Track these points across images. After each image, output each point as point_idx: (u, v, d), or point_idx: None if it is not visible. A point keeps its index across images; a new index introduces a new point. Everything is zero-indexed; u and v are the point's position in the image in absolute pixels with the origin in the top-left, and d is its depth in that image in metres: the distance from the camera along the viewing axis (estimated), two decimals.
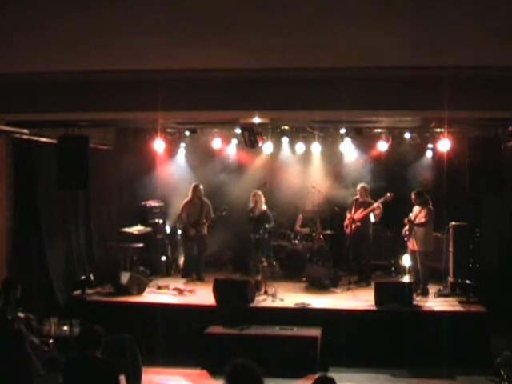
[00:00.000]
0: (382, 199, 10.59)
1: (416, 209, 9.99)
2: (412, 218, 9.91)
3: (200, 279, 10.91)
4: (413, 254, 10.03)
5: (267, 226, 11.04)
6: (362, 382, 8.02)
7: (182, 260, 11.76)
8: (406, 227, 9.97)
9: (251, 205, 11.10)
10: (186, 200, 11.11)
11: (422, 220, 9.78)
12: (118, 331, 6.88)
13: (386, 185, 11.32)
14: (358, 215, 10.69)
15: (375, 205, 10.57)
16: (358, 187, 10.85)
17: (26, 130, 8.99)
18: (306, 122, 10.47)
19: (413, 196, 9.98)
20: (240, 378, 3.67)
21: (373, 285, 9.48)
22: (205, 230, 11.16)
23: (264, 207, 11.15)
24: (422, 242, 9.81)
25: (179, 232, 11.68)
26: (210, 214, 11.10)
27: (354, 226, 10.68)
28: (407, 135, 10.98)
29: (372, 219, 10.73)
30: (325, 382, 4.12)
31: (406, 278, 10.24)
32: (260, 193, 11.18)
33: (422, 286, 9.83)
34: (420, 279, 9.89)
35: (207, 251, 11.44)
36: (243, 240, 12.10)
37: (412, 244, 9.92)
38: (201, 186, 11.14)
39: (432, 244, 9.96)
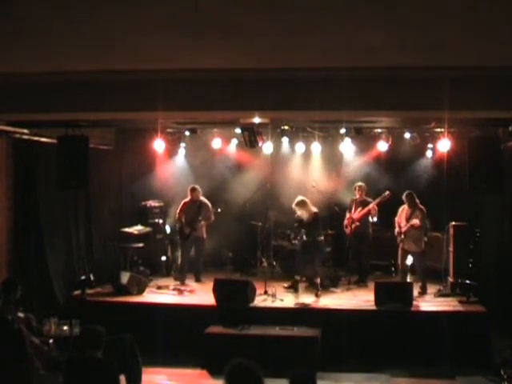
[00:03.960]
0: (379, 198, 10.59)
1: (405, 210, 9.99)
2: (404, 221, 9.90)
3: (197, 281, 10.84)
4: (405, 254, 10.02)
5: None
6: (362, 381, 8.01)
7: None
8: (397, 229, 9.99)
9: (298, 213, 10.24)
10: (185, 200, 11.03)
11: (418, 224, 9.77)
12: (118, 331, 6.87)
13: (385, 185, 11.31)
14: (356, 215, 10.68)
15: (371, 205, 10.56)
16: (356, 186, 10.85)
17: (26, 130, 9.00)
18: (305, 121, 10.47)
19: (404, 198, 9.97)
20: (239, 377, 3.67)
21: (372, 285, 9.47)
22: (203, 233, 10.98)
23: (314, 210, 10.28)
24: (416, 242, 9.85)
25: (168, 231, 11.66)
26: (209, 214, 10.95)
27: (353, 226, 10.68)
28: (407, 135, 10.98)
29: (371, 219, 10.72)
30: (304, 379, 4.09)
31: (408, 278, 10.23)
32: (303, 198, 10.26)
33: (421, 284, 9.87)
34: (411, 279, 9.97)
35: (205, 253, 11.33)
36: (243, 240, 12.14)
37: (408, 245, 9.92)
38: (198, 188, 11.00)
39: (423, 243, 9.98)
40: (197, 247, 11.02)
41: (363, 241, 10.71)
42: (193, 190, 10.95)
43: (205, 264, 11.64)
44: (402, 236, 9.94)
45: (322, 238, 10.32)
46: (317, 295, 9.68)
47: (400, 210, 10.11)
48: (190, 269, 11.03)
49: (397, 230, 10.06)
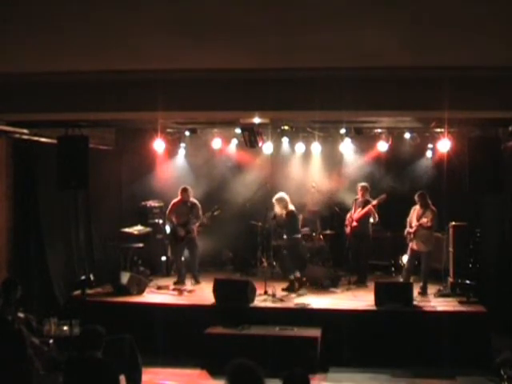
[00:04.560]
0: (376, 200, 10.57)
1: (416, 210, 10.01)
2: (415, 221, 9.91)
3: (196, 282, 10.68)
4: (414, 254, 10.04)
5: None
6: (361, 381, 8.00)
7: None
8: (408, 228, 10.00)
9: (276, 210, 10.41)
10: (174, 201, 10.85)
11: (429, 224, 9.82)
12: (118, 331, 6.87)
13: (385, 185, 11.32)
14: (356, 215, 10.68)
15: (367, 207, 10.54)
16: (358, 186, 10.85)
17: (25, 130, 9.00)
18: (306, 122, 10.47)
19: (417, 197, 9.99)
20: (241, 378, 3.67)
21: (372, 285, 9.48)
22: (194, 233, 10.81)
23: (291, 207, 10.35)
24: (426, 242, 9.87)
25: (167, 231, 11.48)
26: (199, 214, 10.80)
27: (352, 225, 10.67)
28: (407, 135, 10.98)
29: (372, 220, 10.71)
30: (297, 379, 4.10)
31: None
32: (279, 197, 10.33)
33: (421, 284, 9.87)
34: (412, 279, 9.98)
35: (200, 252, 11.15)
36: (243, 240, 12.13)
37: (417, 245, 9.93)
38: (190, 189, 10.81)
39: (433, 243, 10.03)
40: (190, 249, 10.84)
41: (362, 241, 10.70)
42: (184, 190, 10.74)
43: (205, 264, 11.62)
44: (412, 235, 9.95)
45: (300, 235, 10.43)
46: (296, 291, 9.77)
47: (412, 210, 10.12)
48: (188, 270, 10.92)
49: (407, 229, 10.07)
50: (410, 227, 10.01)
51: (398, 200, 10.66)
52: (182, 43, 5.12)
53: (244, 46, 5.30)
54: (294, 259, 10.28)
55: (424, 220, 9.83)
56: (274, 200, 10.27)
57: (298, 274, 10.13)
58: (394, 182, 11.51)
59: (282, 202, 10.19)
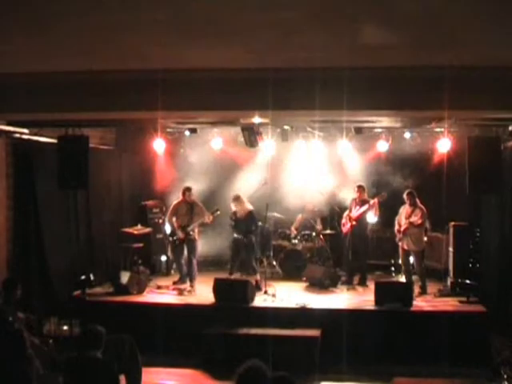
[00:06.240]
0: (376, 198, 10.57)
1: (406, 209, 10.01)
2: (404, 220, 9.91)
3: (191, 285, 10.35)
4: (406, 254, 10.04)
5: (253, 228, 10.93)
6: (361, 382, 8.01)
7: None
8: (397, 227, 10.01)
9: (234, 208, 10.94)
10: (175, 202, 10.78)
11: (419, 222, 9.82)
12: (118, 331, 6.87)
13: (385, 185, 11.31)
14: (355, 214, 10.67)
15: (367, 205, 10.53)
16: (355, 187, 10.85)
17: (26, 130, 9.01)
18: (306, 121, 10.48)
19: (405, 196, 10.00)
20: (250, 379, 3.69)
21: (372, 285, 9.48)
22: (195, 234, 10.70)
23: (249, 207, 10.89)
24: (417, 241, 9.88)
25: (167, 232, 11.36)
26: (203, 211, 10.63)
27: (350, 224, 10.67)
28: (407, 135, 10.98)
29: (371, 219, 10.70)
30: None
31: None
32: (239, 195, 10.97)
33: (420, 284, 9.88)
34: (413, 278, 9.98)
35: (200, 252, 11.11)
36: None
37: (407, 244, 9.93)
38: (192, 189, 10.73)
39: (424, 243, 10.04)
40: (189, 249, 10.65)
41: (361, 240, 10.70)
42: (187, 189, 10.62)
43: (205, 264, 11.59)
44: (401, 234, 9.95)
45: (253, 237, 10.69)
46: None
47: (401, 209, 10.13)
48: (186, 271, 10.74)
49: (396, 227, 10.07)
50: (399, 225, 10.03)
51: (397, 200, 10.64)
52: (182, 43, 5.12)
53: (244, 46, 5.31)
54: (251, 259, 10.54)
55: (414, 218, 9.84)
56: (232, 198, 10.75)
57: (258, 277, 10.13)
58: (393, 182, 11.48)
59: (240, 201, 10.57)
